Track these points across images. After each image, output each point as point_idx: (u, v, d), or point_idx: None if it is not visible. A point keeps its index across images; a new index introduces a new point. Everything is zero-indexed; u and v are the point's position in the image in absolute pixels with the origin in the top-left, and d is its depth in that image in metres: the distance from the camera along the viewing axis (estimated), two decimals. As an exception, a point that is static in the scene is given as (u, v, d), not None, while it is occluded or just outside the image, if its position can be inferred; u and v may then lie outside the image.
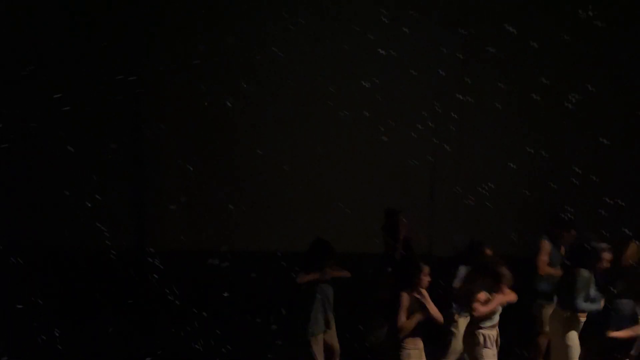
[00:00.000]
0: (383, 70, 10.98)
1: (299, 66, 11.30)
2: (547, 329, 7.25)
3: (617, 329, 6.20)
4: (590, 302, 6.51)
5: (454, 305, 7.02)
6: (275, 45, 11.22)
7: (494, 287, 6.17)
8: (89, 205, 11.27)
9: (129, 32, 11.34)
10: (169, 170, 11.79)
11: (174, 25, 11.38)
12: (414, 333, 5.99)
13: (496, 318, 6.27)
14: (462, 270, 7.06)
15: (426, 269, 6.11)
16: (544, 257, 7.54)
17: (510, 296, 6.27)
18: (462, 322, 7.02)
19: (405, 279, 6.13)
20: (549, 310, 7.23)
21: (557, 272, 7.32)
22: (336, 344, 7.19)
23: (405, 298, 5.90)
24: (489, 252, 7.19)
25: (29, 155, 11.30)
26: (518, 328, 7.42)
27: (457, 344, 7.06)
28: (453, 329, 7.07)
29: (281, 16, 11.08)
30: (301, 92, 11.40)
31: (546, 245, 7.60)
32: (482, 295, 6.11)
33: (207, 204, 11.81)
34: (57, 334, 8.10)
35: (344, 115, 11.33)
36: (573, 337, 6.61)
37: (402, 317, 5.86)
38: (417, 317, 5.92)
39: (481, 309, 6.09)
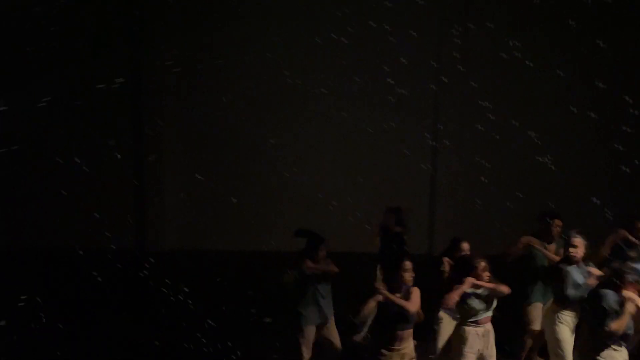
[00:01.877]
0: (383, 69, 10.99)
1: (300, 67, 11.30)
2: (533, 327, 7.37)
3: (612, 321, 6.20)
4: (575, 289, 6.56)
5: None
6: (276, 45, 11.24)
7: (463, 279, 6.13)
8: (89, 205, 11.29)
9: (129, 30, 11.35)
10: (170, 171, 11.79)
11: (174, 23, 11.38)
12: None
13: (481, 314, 6.19)
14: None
15: (406, 265, 6.04)
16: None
17: (488, 284, 6.11)
18: (447, 319, 7.04)
19: (387, 274, 6.34)
20: (533, 308, 7.35)
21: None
22: (334, 339, 7.16)
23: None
24: (465, 246, 7.20)
25: (29, 155, 11.30)
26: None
27: (441, 340, 7.07)
28: (435, 327, 7.07)
29: (282, 14, 11.10)
30: (302, 93, 11.41)
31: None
32: (456, 289, 6.09)
33: (208, 204, 11.82)
34: (57, 334, 8.10)
35: (345, 116, 11.35)
36: (563, 331, 6.67)
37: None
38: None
39: (447, 299, 6.01)
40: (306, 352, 6.98)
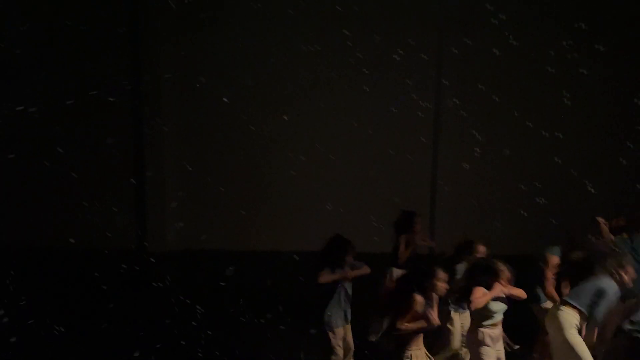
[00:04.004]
0: (383, 68, 10.98)
1: (299, 66, 11.30)
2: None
3: None
4: None
5: (450, 302, 7.03)
6: (276, 44, 11.24)
7: (491, 284, 6.19)
8: (89, 205, 11.28)
9: (129, 29, 11.34)
10: (170, 170, 11.78)
11: (174, 22, 11.38)
12: (416, 332, 5.93)
13: (498, 317, 6.28)
14: (460, 268, 7.09)
15: (441, 274, 5.88)
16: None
17: (512, 290, 6.28)
18: (457, 319, 7.08)
19: (419, 282, 5.89)
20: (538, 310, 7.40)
21: None
22: (351, 340, 7.25)
23: (417, 301, 5.73)
24: (482, 249, 7.21)
25: (29, 154, 11.30)
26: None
27: (454, 340, 7.10)
28: (449, 326, 7.08)
29: (281, 15, 11.09)
30: (303, 93, 11.41)
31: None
32: (479, 291, 6.13)
33: (208, 204, 11.82)
34: (57, 334, 8.09)
35: (345, 116, 11.34)
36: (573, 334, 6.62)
37: (407, 319, 5.74)
38: (421, 324, 5.80)
39: (477, 301, 6.11)
40: (340, 352, 7.08)
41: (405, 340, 5.85)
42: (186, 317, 8.46)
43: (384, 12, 10.82)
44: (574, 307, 6.25)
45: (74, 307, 9.15)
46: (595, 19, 10.54)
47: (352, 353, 7.27)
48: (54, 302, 9.03)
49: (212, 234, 11.65)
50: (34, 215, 11.57)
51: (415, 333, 5.85)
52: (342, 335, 7.12)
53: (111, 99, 11.25)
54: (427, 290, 5.83)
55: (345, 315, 7.14)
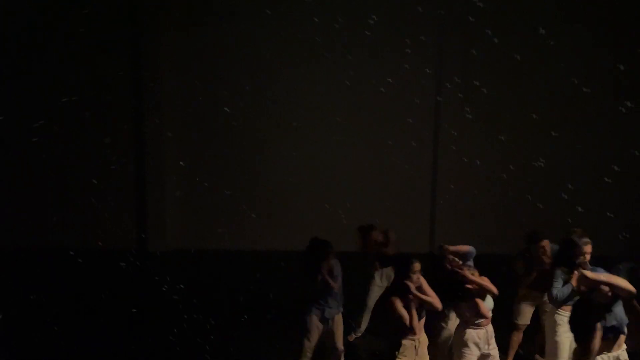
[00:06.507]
0: (384, 70, 10.97)
1: (299, 66, 11.30)
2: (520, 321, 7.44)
3: None
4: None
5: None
6: (276, 46, 11.24)
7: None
8: (89, 205, 11.28)
9: (128, 30, 11.35)
10: (170, 170, 11.78)
11: (174, 22, 11.38)
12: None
13: (482, 319, 6.24)
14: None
15: (417, 266, 6.13)
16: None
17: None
18: (454, 317, 7.08)
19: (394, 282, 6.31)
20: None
21: None
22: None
23: (396, 304, 6.05)
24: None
25: (29, 155, 11.30)
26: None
27: (448, 338, 7.10)
28: (443, 324, 7.06)
29: (281, 13, 11.08)
30: (302, 92, 11.41)
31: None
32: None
33: (208, 204, 11.82)
34: (57, 334, 8.10)
35: (345, 117, 11.34)
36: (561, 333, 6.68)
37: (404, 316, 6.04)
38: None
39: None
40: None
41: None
42: (186, 316, 8.46)
43: (382, 7, 10.79)
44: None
45: (74, 307, 9.15)
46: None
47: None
48: (54, 302, 9.04)
49: (212, 233, 11.65)
50: (34, 215, 11.56)
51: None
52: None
53: (111, 99, 11.28)
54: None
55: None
